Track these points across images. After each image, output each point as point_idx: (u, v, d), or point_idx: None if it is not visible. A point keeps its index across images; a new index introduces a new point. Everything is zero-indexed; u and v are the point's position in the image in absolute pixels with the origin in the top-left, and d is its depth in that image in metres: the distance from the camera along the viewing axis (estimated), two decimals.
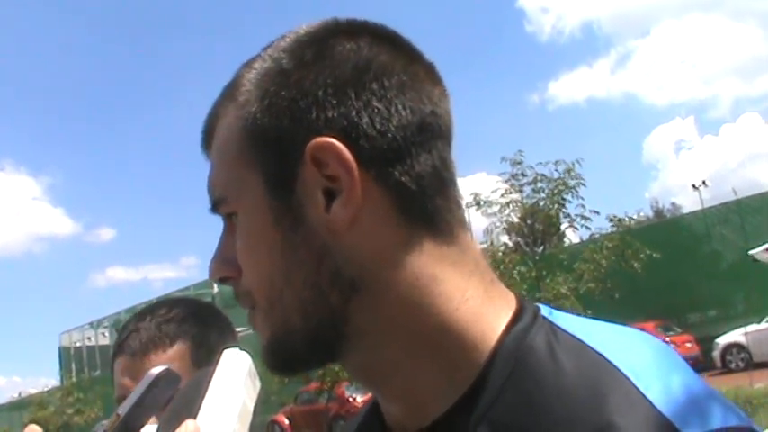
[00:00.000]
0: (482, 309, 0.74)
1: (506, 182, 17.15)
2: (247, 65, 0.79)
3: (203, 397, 0.76)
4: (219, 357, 0.82)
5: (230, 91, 0.78)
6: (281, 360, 0.78)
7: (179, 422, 0.73)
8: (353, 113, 0.72)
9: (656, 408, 0.64)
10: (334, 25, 0.79)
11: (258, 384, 0.83)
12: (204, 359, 1.39)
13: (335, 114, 0.72)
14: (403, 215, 0.73)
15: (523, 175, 16.91)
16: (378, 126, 0.72)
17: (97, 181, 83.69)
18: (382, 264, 0.72)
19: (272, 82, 0.75)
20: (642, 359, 0.69)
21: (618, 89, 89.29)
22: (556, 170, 16.63)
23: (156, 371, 0.86)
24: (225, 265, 0.78)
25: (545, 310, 0.76)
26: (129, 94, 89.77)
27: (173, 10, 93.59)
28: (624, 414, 0.64)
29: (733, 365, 19.45)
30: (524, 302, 0.78)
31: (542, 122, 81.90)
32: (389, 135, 0.72)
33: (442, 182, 0.76)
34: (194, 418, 0.74)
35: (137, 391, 0.84)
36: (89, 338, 49.33)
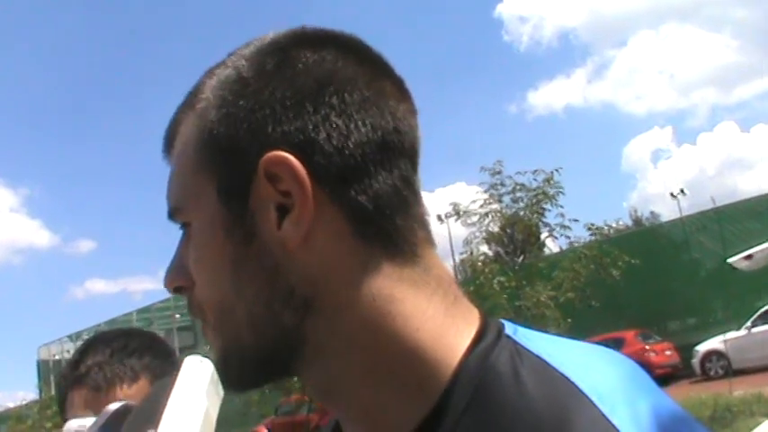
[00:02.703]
0: (443, 329, 0.72)
1: (486, 192, 17.16)
2: (210, 71, 0.77)
3: (165, 406, 0.75)
4: (181, 364, 0.80)
5: (191, 97, 0.77)
6: (233, 375, 0.76)
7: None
8: (311, 128, 0.70)
9: None
10: (300, 35, 0.77)
11: (221, 392, 0.81)
12: None
13: (292, 128, 0.70)
14: (358, 235, 0.71)
15: (503, 184, 16.93)
16: (335, 143, 0.70)
17: (76, 193, 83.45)
18: (336, 284, 0.70)
19: (230, 90, 0.73)
20: (608, 381, 0.67)
21: (596, 99, 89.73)
22: (535, 179, 16.69)
23: (113, 406, 0.85)
24: (179, 275, 0.77)
25: (509, 328, 0.74)
26: (108, 104, 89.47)
27: (150, 19, 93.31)
28: None
29: (712, 373, 19.50)
30: (488, 321, 0.75)
31: (521, 132, 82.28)
32: (347, 152, 0.70)
33: (403, 201, 0.73)
34: (156, 427, 0.73)
35: (93, 426, 0.83)
36: (68, 351, 48.77)
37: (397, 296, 0.71)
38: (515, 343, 0.71)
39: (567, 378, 0.66)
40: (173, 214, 0.78)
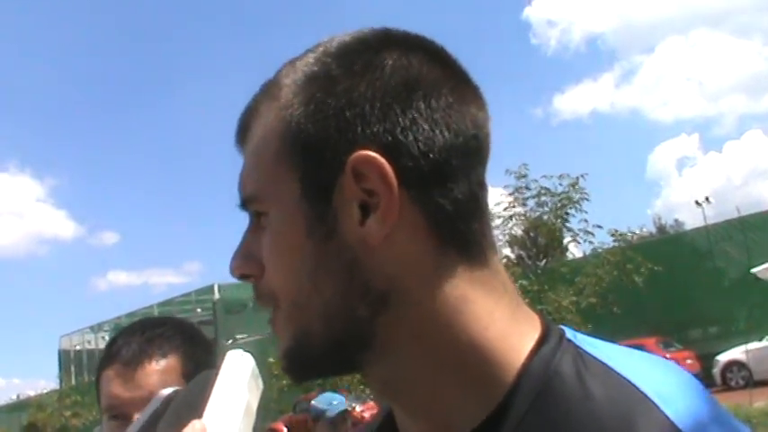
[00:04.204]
0: (509, 331, 0.74)
1: (510, 195, 17.20)
2: (291, 64, 0.78)
3: (209, 397, 0.77)
4: (223, 358, 0.82)
5: (272, 89, 0.78)
6: (298, 365, 0.77)
7: (184, 422, 0.74)
8: (398, 131, 0.72)
9: None
10: (387, 36, 0.78)
11: (261, 385, 0.85)
12: (193, 373, 1.42)
13: (381, 129, 0.72)
14: (437, 236, 0.72)
15: (527, 188, 16.97)
16: (421, 146, 0.71)
17: (102, 184, 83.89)
18: (412, 281, 0.72)
19: (318, 87, 0.74)
20: (669, 385, 0.69)
21: (622, 104, 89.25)
22: (560, 184, 16.68)
23: (166, 392, 0.87)
24: (248, 262, 0.78)
25: (569, 333, 0.76)
26: (135, 96, 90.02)
27: (180, 10, 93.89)
28: None
29: (733, 383, 19.40)
30: (550, 325, 0.77)
31: (546, 136, 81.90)
32: (432, 156, 0.72)
33: (479, 206, 0.76)
34: (200, 417, 0.75)
35: (147, 410, 0.85)
36: (89, 342, 49.34)
37: (468, 296, 0.73)
38: (577, 347, 0.73)
39: (630, 382, 0.68)
40: (247, 202, 0.78)
